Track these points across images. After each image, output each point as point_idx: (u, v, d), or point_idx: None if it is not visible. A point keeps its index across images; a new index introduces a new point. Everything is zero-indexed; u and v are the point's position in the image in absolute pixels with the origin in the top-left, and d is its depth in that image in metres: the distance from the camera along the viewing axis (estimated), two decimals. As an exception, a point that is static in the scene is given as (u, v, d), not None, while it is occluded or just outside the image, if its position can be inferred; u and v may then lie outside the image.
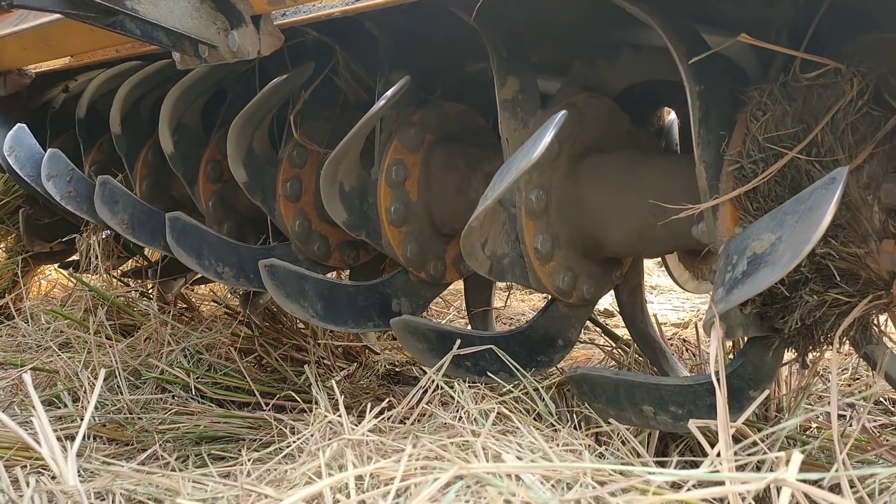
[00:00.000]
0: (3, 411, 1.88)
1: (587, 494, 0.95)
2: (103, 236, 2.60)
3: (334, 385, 1.39)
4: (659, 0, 1.37)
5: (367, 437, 1.17)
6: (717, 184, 1.35)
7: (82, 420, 1.84)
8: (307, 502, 0.96)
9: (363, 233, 1.88)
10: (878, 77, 1.29)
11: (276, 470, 1.19)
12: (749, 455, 1.14)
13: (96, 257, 2.57)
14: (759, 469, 1.26)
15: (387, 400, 1.41)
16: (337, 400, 1.34)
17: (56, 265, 3.31)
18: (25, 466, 1.48)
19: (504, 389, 1.56)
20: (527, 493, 0.92)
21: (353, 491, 1.00)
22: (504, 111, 1.61)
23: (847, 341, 1.47)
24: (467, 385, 1.53)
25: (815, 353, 1.51)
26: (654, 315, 2.13)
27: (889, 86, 1.29)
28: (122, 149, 2.44)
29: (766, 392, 1.40)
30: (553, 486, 1.00)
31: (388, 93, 1.67)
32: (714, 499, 1.20)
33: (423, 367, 1.62)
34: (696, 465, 1.45)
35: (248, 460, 1.27)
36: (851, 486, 1.15)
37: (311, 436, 1.28)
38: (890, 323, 1.54)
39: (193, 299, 3.04)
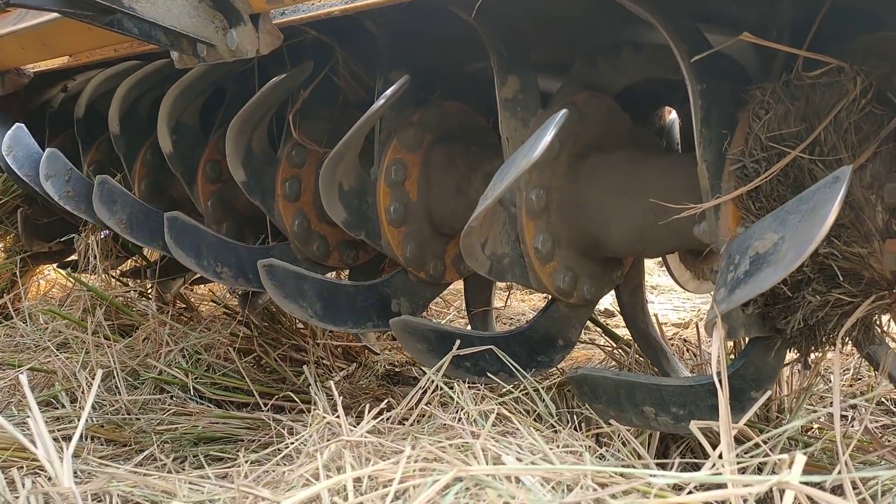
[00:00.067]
0: (1, 412, 1.87)
1: (588, 497, 0.94)
2: (101, 236, 2.59)
3: (332, 386, 1.38)
4: (660, -2, 1.36)
5: (365, 439, 1.16)
6: (719, 183, 1.34)
7: (80, 420, 1.84)
8: (304, 504, 0.95)
9: (362, 233, 1.87)
10: (881, 76, 1.28)
11: (273, 471, 1.18)
12: (751, 457, 1.12)
13: (94, 257, 2.56)
14: (761, 471, 1.25)
15: (385, 401, 1.40)
16: (336, 401, 1.33)
17: (55, 265, 3.30)
18: (22, 468, 1.47)
19: (504, 390, 1.55)
20: (526, 495, 0.91)
21: (352, 493, 0.98)
22: (504, 110, 1.60)
23: (850, 342, 1.46)
24: (467, 386, 1.52)
25: (817, 354, 1.50)
26: (655, 315, 2.12)
27: (892, 84, 1.28)
28: (121, 148, 2.43)
29: (768, 393, 1.39)
30: (553, 488, 0.99)
31: (388, 92, 1.66)
32: (716, 501, 1.19)
33: (423, 368, 1.61)
34: (697, 466, 1.43)
35: (246, 462, 1.26)
36: (854, 488, 1.14)
37: (310, 437, 1.27)
38: (892, 323, 1.53)
39: (192, 299, 3.03)
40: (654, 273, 4.34)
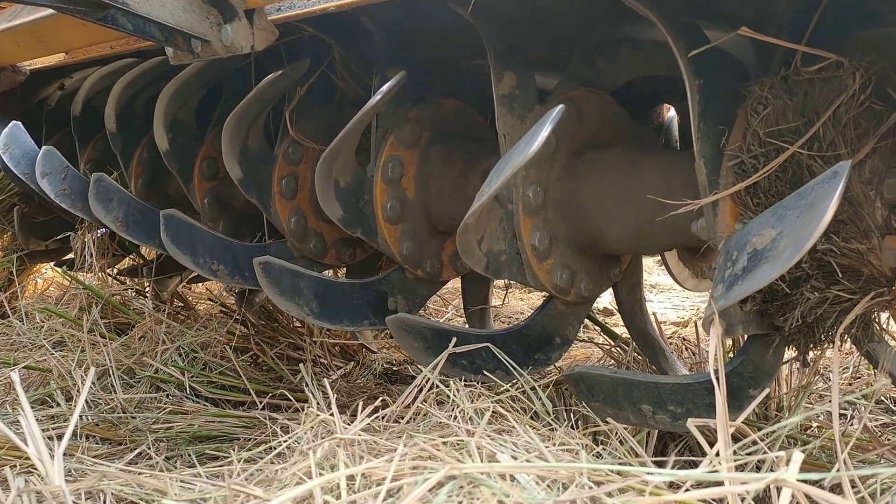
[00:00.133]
0: (-5, 410, 1.87)
1: (583, 495, 0.93)
2: (98, 234, 2.58)
3: (326, 383, 1.37)
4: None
5: (359, 437, 1.15)
6: (717, 179, 1.33)
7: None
8: (296, 503, 0.94)
9: (359, 230, 1.86)
10: (880, 71, 1.27)
11: (266, 470, 1.17)
12: (749, 455, 1.11)
13: (91, 255, 2.55)
14: (758, 469, 1.24)
15: (380, 398, 1.39)
16: (330, 399, 1.32)
17: (52, 263, 3.29)
18: (15, 466, 1.46)
19: (500, 388, 1.54)
20: (521, 493, 0.90)
21: (345, 491, 0.97)
22: (501, 106, 1.59)
23: (849, 339, 1.45)
24: (463, 384, 1.51)
25: (816, 352, 1.49)
26: (654, 313, 2.11)
27: (891, 80, 1.27)
28: (117, 146, 2.42)
29: (767, 391, 1.38)
30: (548, 486, 0.98)
31: (384, 88, 1.65)
32: (713, 499, 1.18)
33: (420, 366, 1.60)
34: (694, 464, 1.43)
35: (239, 460, 1.25)
36: (853, 487, 1.13)
37: (304, 435, 1.26)
38: (892, 321, 1.52)
39: (190, 298, 3.03)
40: (654, 272, 4.33)
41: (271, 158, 2.06)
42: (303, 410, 1.47)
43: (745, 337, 1.47)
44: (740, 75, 1.42)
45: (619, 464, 1.27)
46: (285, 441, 1.27)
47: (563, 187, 1.64)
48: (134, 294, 2.75)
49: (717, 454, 1.01)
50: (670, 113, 2.14)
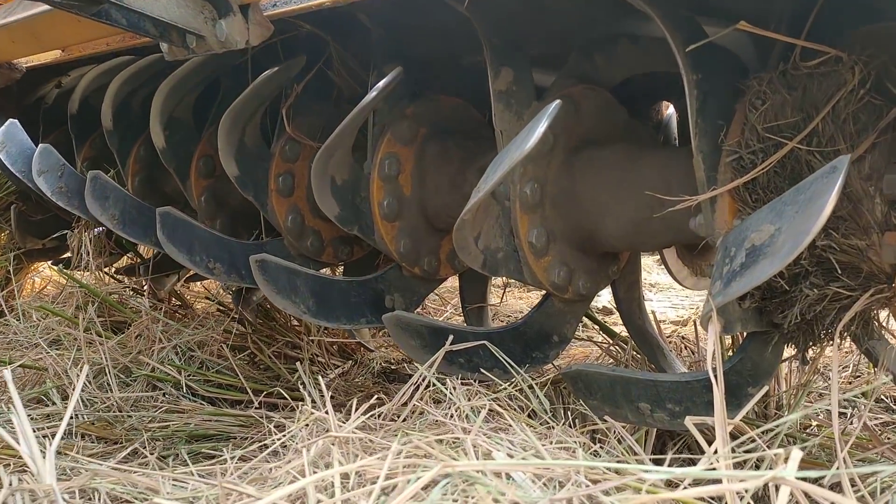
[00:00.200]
0: (-10, 409, 1.85)
1: (579, 493, 0.92)
2: (95, 233, 2.57)
3: (321, 381, 1.36)
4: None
5: (354, 435, 1.14)
6: (715, 175, 1.32)
7: (70, 417, 1.82)
8: (289, 501, 0.92)
9: (355, 227, 1.85)
10: (879, 66, 1.26)
11: (260, 468, 1.16)
12: (747, 452, 1.10)
13: (88, 254, 2.54)
14: (757, 467, 1.22)
15: (375, 396, 1.38)
16: (325, 397, 1.31)
17: (49, 262, 3.28)
18: (9, 465, 1.45)
19: (498, 387, 1.53)
20: (516, 491, 0.89)
21: (339, 489, 0.96)
22: (498, 103, 1.58)
23: (848, 337, 1.44)
24: (460, 382, 1.50)
25: (815, 349, 1.47)
26: (653, 312, 2.10)
27: (891, 75, 1.26)
28: (114, 144, 2.41)
29: (766, 389, 1.37)
30: (544, 484, 0.97)
31: (380, 84, 1.64)
32: (711, 497, 1.17)
33: (417, 364, 1.59)
34: (693, 463, 1.41)
35: (233, 458, 1.24)
36: (853, 485, 1.12)
37: (299, 433, 1.25)
38: (891, 318, 1.51)
39: (188, 297, 3.01)
40: (653, 271, 4.32)
41: (268, 156, 2.05)
42: (299, 409, 1.46)
43: (744, 334, 1.45)
44: (739, 71, 1.41)
45: (617, 462, 1.26)
46: (279, 439, 1.26)
47: (561, 184, 1.63)
48: (131, 293, 2.74)
49: (716, 452, 1.00)
50: (669, 110, 2.13)
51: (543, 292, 1.74)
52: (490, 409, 1.36)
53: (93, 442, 1.79)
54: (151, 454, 1.53)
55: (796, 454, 0.81)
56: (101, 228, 2.55)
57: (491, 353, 1.61)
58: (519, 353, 1.66)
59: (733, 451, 1.06)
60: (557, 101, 1.32)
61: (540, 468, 0.98)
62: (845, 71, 1.24)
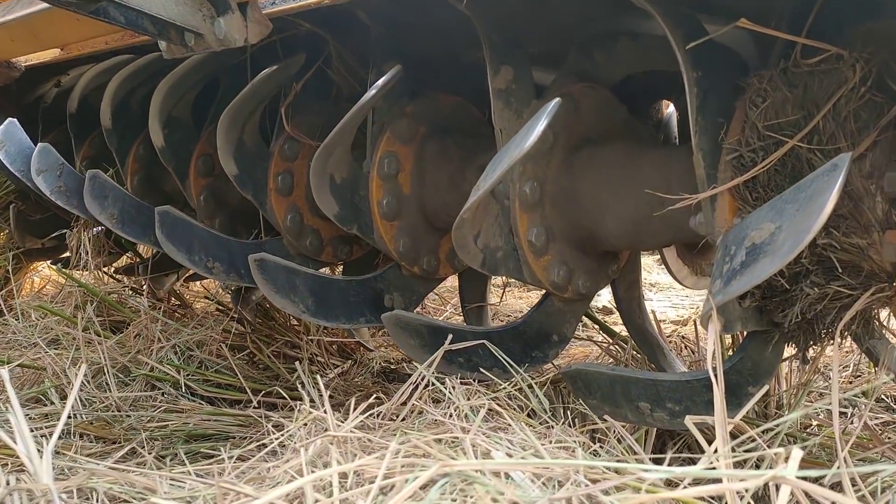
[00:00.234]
0: (-12, 409, 1.85)
1: (578, 492, 0.91)
2: (94, 232, 2.57)
3: (319, 380, 1.35)
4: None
5: (352, 434, 1.14)
6: (716, 173, 1.32)
7: (69, 417, 1.81)
8: (287, 501, 0.92)
9: (355, 226, 1.85)
10: (880, 63, 1.25)
11: (258, 467, 1.15)
12: (747, 452, 1.10)
13: (87, 253, 2.54)
14: (757, 467, 1.22)
15: (374, 395, 1.37)
16: (324, 396, 1.30)
17: (48, 261, 3.27)
18: (7, 465, 1.44)
19: (497, 386, 1.52)
20: (515, 490, 0.88)
21: (337, 489, 0.96)
22: (497, 101, 1.58)
23: (849, 336, 1.43)
24: (459, 381, 1.49)
25: (815, 349, 1.47)
26: (653, 312, 2.09)
27: (892, 72, 1.26)
28: (113, 143, 2.40)
29: (766, 388, 1.36)
30: (543, 483, 0.96)
31: (379, 82, 1.63)
32: (711, 497, 1.16)
33: (416, 364, 1.59)
34: (693, 462, 1.41)
35: (230, 458, 1.24)
36: (853, 484, 1.11)
37: (297, 432, 1.25)
38: (892, 317, 1.50)
39: (187, 296, 3.01)
40: (653, 271, 4.32)
41: (267, 154, 2.05)
42: (297, 408, 1.46)
43: (744, 334, 1.45)
44: (739, 68, 1.40)
45: (616, 461, 1.26)
46: (277, 438, 1.25)
47: (561, 182, 1.63)
48: (130, 292, 2.73)
49: (716, 451, 0.99)
50: (669, 109, 2.12)
51: (543, 291, 1.74)
52: (489, 409, 1.35)
53: (91, 441, 1.78)
54: (150, 454, 1.53)
55: (797, 453, 0.80)
56: (100, 228, 2.55)
57: (490, 353, 1.61)
58: (518, 353, 1.65)
59: (733, 450, 1.06)
60: (557, 100, 1.31)
61: (539, 467, 0.97)
62: (846, 68, 1.23)
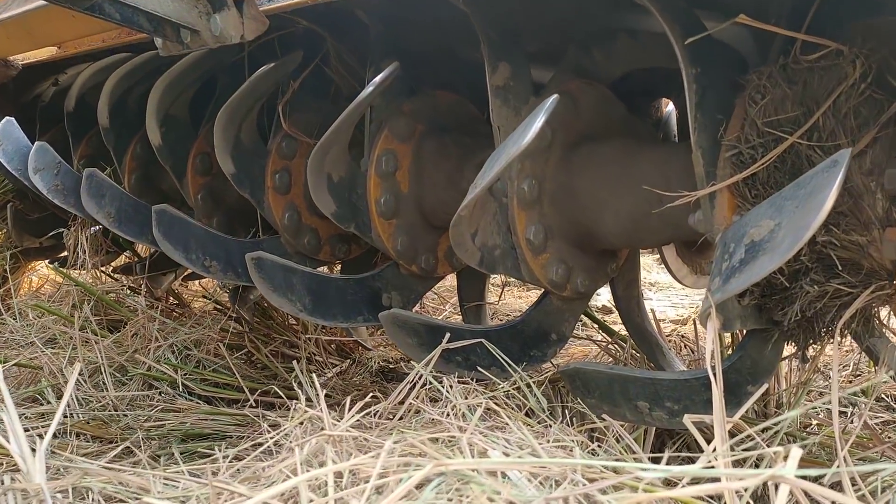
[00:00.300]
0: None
1: (576, 492, 0.90)
2: (91, 231, 2.56)
3: (314, 379, 1.34)
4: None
5: (348, 433, 1.13)
6: (715, 170, 1.31)
7: (65, 417, 1.80)
8: (281, 500, 0.91)
9: (352, 225, 1.84)
10: (880, 59, 1.24)
11: (253, 467, 1.14)
12: (746, 451, 1.09)
13: (84, 252, 2.53)
14: (756, 466, 1.21)
15: (370, 395, 1.36)
16: (320, 395, 1.29)
17: (46, 260, 3.27)
18: (2, 464, 1.43)
19: (495, 385, 1.51)
20: (511, 490, 0.87)
21: (332, 488, 0.95)
22: (496, 98, 1.57)
23: (849, 334, 1.42)
24: (457, 380, 1.49)
25: (815, 347, 1.46)
26: (652, 311, 2.08)
27: (892, 68, 1.25)
28: (110, 142, 2.40)
29: (765, 387, 1.36)
30: (541, 483, 0.95)
31: (376, 79, 1.62)
32: (710, 496, 1.16)
33: (414, 363, 1.58)
34: (692, 461, 1.40)
35: (225, 457, 1.23)
36: (853, 484, 1.10)
37: (292, 431, 1.24)
38: (892, 315, 1.49)
39: (184, 295, 3.00)
40: (653, 270, 4.31)
41: (264, 153, 2.04)
42: (293, 407, 1.45)
43: (744, 332, 1.44)
44: (738, 65, 1.39)
45: (614, 460, 1.25)
46: (273, 437, 1.24)
47: (559, 180, 1.62)
48: (128, 291, 2.72)
49: (714, 450, 0.98)
50: (669, 107, 2.11)
51: (542, 290, 1.73)
52: (487, 408, 1.35)
53: (87, 441, 1.77)
54: (145, 453, 1.52)
55: (796, 452, 0.79)
56: (97, 227, 2.54)
57: (488, 352, 1.60)
58: (517, 352, 1.64)
59: (732, 449, 1.05)
60: (555, 97, 1.31)
61: (536, 466, 0.97)
62: (846, 65, 1.22)
